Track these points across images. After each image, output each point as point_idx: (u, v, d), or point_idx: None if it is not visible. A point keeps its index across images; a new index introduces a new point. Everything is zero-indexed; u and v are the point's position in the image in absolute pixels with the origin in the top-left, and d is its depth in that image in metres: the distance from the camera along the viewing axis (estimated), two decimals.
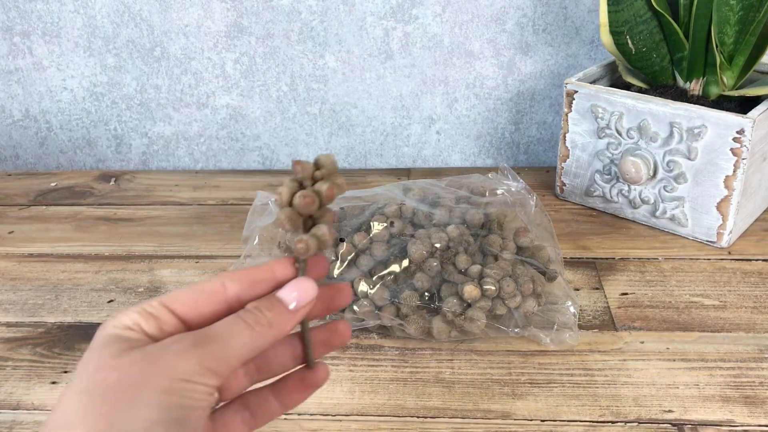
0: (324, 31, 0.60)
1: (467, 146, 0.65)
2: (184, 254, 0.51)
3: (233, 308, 0.23)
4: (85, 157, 0.68)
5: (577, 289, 0.45)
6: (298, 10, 0.59)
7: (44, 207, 0.59)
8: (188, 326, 0.23)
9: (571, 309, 0.41)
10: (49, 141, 0.67)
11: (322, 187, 0.24)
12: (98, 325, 0.44)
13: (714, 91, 0.50)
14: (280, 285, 0.24)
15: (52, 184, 0.63)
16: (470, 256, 0.41)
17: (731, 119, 0.44)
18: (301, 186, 0.24)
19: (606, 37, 0.50)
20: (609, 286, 0.45)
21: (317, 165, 0.25)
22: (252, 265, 0.25)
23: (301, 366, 0.26)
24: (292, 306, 0.23)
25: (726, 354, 0.39)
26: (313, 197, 0.24)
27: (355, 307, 0.41)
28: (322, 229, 0.24)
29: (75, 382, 0.20)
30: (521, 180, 0.48)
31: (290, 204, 0.24)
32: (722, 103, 0.49)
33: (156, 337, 0.22)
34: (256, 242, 0.46)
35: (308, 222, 0.25)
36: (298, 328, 0.25)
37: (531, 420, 0.36)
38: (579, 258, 0.49)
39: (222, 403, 0.25)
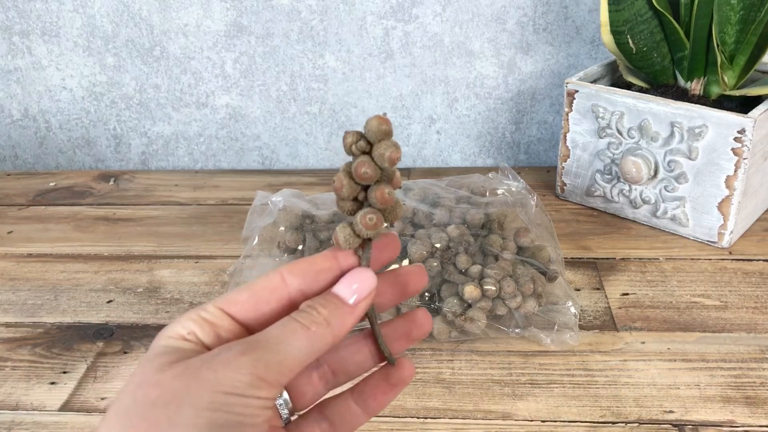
0: (324, 30, 0.60)
1: (467, 146, 0.64)
2: (184, 254, 0.51)
3: (297, 305, 0.21)
4: (85, 156, 0.67)
5: (578, 290, 0.45)
6: (297, 10, 0.59)
7: (43, 207, 0.59)
8: (250, 331, 0.21)
9: (572, 309, 0.41)
10: (49, 141, 0.67)
11: (385, 151, 0.20)
12: (97, 325, 0.44)
13: (715, 90, 0.50)
14: (345, 272, 0.22)
15: (51, 184, 0.63)
16: (471, 257, 0.41)
17: (732, 119, 0.44)
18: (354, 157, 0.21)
19: (607, 37, 0.50)
20: (610, 286, 0.45)
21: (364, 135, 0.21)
22: (310, 256, 0.22)
23: (382, 364, 0.24)
24: (351, 300, 0.21)
25: (727, 354, 0.39)
26: (372, 165, 0.20)
27: None
28: (371, 195, 0.21)
29: (118, 399, 0.19)
30: (522, 180, 0.48)
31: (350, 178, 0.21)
32: (723, 102, 0.49)
33: (213, 345, 0.20)
34: (255, 242, 0.46)
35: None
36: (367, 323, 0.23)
37: (531, 420, 0.35)
38: (580, 258, 0.48)
39: (297, 414, 0.23)
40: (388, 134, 0.20)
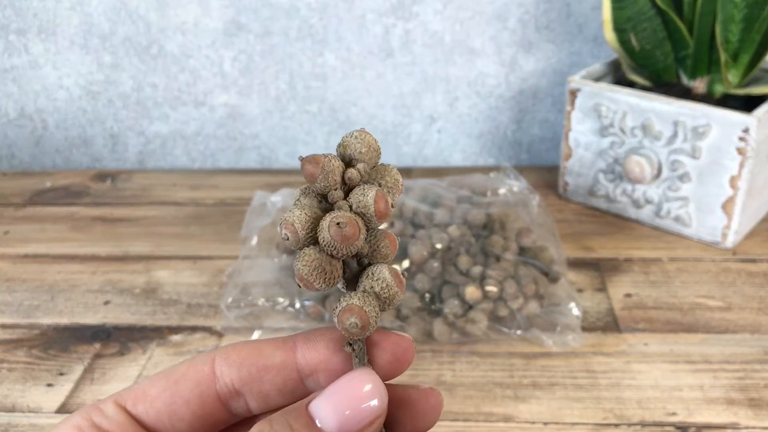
0: (323, 28, 0.60)
1: (469, 145, 0.64)
2: (182, 255, 0.51)
3: (230, 410, 0.16)
4: (81, 156, 0.67)
5: (581, 291, 0.45)
6: (296, 7, 0.59)
7: (40, 207, 0.59)
8: None
9: (574, 311, 0.41)
10: (45, 140, 0.66)
11: (366, 197, 0.14)
12: (94, 327, 0.44)
13: (719, 89, 0.49)
14: (307, 373, 0.15)
15: (48, 184, 0.62)
16: (472, 257, 0.41)
17: (736, 118, 0.44)
18: (325, 202, 0.14)
19: (609, 35, 0.50)
20: (613, 287, 0.45)
21: (345, 157, 0.14)
22: (262, 340, 0.16)
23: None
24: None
25: (731, 356, 0.39)
26: (354, 223, 0.13)
27: None
28: (383, 277, 0.14)
29: None
30: (523, 179, 0.48)
31: (314, 242, 0.14)
32: (727, 101, 0.49)
33: None
34: (254, 242, 0.45)
35: (352, 265, 0.15)
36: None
37: (533, 423, 0.35)
38: (582, 259, 0.48)
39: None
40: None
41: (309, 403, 0.14)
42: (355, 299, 0.14)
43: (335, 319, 0.14)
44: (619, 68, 0.55)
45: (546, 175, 0.59)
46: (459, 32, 0.59)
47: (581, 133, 0.52)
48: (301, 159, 0.14)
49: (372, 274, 0.15)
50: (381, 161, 0.15)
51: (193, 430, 0.15)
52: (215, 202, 0.58)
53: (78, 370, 0.40)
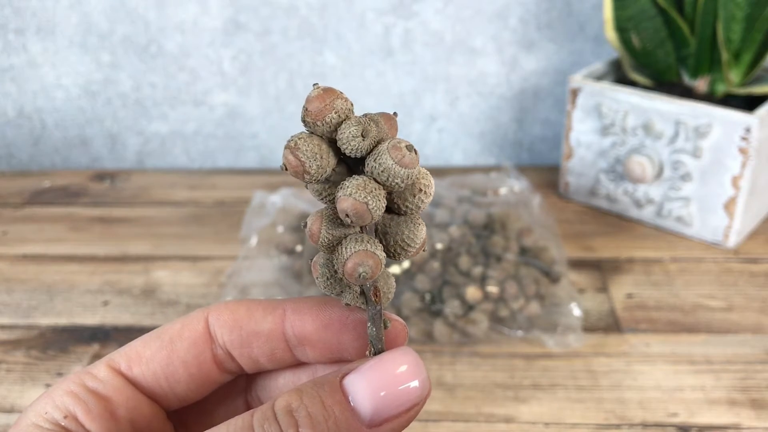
0: (323, 27, 0.59)
1: (469, 145, 0.64)
2: (181, 255, 0.50)
3: (225, 369, 0.15)
4: (80, 156, 0.67)
5: (582, 291, 0.44)
6: (296, 6, 0.59)
7: (38, 207, 0.58)
8: (159, 403, 0.14)
9: (576, 311, 0.40)
10: (44, 140, 0.66)
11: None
12: (93, 327, 0.43)
13: (720, 88, 0.49)
14: (294, 344, 0.14)
15: (47, 184, 0.62)
16: (472, 257, 0.41)
17: (738, 117, 0.44)
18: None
19: (611, 34, 0.49)
20: (614, 287, 0.45)
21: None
22: (255, 300, 0.15)
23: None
24: (368, 417, 0.12)
25: (732, 356, 0.39)
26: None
27: None
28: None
29: None
30: (524, 179, 0.47)
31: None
32: (729, 100, 0.49)
33: None
34: (254, 243, 0.45)
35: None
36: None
37: (535, 423, 0.35)
38: (583, 259, 0.48)
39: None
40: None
41: (343, 377, 0.13)
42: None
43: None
44: (620, 67, 0.54)
45: (547, 175, 0.59)
46: (459, 31, 0.59)
47: (582, 133, 0.52)
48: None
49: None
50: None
51: (189, 390, 0.14)
52: (214, 202, 0.58)
53: (77, 370, 0.40)
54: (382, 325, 0.14)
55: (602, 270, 0.47)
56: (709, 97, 0.49)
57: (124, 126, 0.65)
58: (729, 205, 0.46)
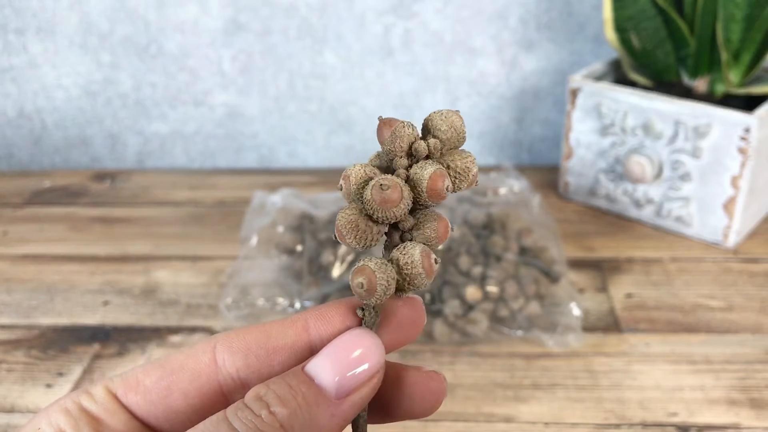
0: (323, 27, 0.59)
1: (469, 145, 0.64)
2: (181, 255, 0.50)
3: (230, 398, 0.14)
4: (80, 156, 0.67)
5: (582, 291, 0.45)
6: (296, 6, 0.59)
7: (38, 207, 0.59)
8: (153, 429, 0.14)
9: (575, 311, 0.40)
10: (44, 140, 0.66)
11: (423, 171, 0.14)
12: (93, 327, 0.43)
13: (720, 88, 0.49)
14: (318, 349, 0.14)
15: (47, 184, 0.62)
16: (472, 257, 0.41)
17: (737, 117, 0.44)
18: (388, 168, 0.14)
19: (610, 34, 0.49)
20: (614, 287, 0.45)
21: (427, 129, 0.15)
22: (267, 322, 0.15)
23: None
24: (335, 390, 0.13)
25: (732, 356, 0.39)
26: (398, 189, 0.13)
27: None
28: (412, 253, 0.14)
29: None
30: (524, 179, 0.47)
31: (360, 197, 0.14)
32: (728, 101, 0.49)
33: None
34: (254, 243, 0.45)
35: (394, 237, 0.15)
36: None
37: (534, 423, 0.35)
38: (583, 259, 0.48)
39: None
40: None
41: (305, 365, 0.14)
42: (372, 263, 0.14)
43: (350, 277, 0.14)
44: (620, 67, 0.54)
45: (547, 175, 0.59)
46: (459, 31, 0.59)
47: (582, 133, 0.52)
48: (380, 119, 0.14)
49: (404, 247, 0.14)
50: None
51: (189, 421, 0.14)
52: (214, 202, 0.58)
53: (77, 370, 0.40)
54: (375, 320, 0.15)
55: (602, 270, 0.47)
56: (709, 98, 0.49)
57: (125, 126, 0.65)
58: (728, 205, 0.47)
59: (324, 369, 0.13)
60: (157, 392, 0.14)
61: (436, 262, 0.14)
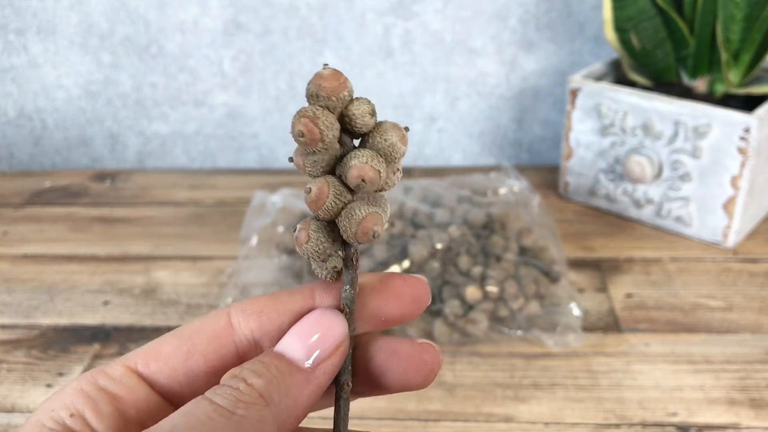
0: (323, 27, 0.59)
1: (469, 145, 0.64)
2: (181, 255, 0.50)
3: (246, 358, 0.15)
4: (81, 156, 0.67)
5: (581, 291, 0.45)
6: (296, 7, 0.59)
7: (39, 207, 0.59)
8: (176, 405, 0.14)
9: (575, 311, 0.40)
10: (44, 140, 0.66)
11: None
12: (93, 327, 0.43)
13: (720, 89, 0.49)
14: None
15: (47, 184, 0.62)
16: (472, 257, 0.41)
17: (737, 117, 0.44)
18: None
19: (610, 34, 0.49)
20: (613, 287, 0.45)
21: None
22: (277, 292, 0.16)
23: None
24: (308, 361, 0.14)
25: (732, 356, 0.39)
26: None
27: None
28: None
29: None
30: (524, 179, 0.47)
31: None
32: (728, 101, 0.49)
33: None
34: (254, 243, 0.45)
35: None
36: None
37: (534, 423, 0.35)
38: (583, 259, 0.48)
39: None
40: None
41: (274, 348, 0.14)
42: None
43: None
44: (619, 68, 0.54)
45: (547, 175, 0.59)
46: (459, 32, 0.59)
47: (582, 133, 0.52)
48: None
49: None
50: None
51: (210, 385, 0.14)
52: (215, 202, 0.58)
53: (77, 370, 0.40)
54: (356, 289, 0.16)
55: (602, 270, 0.47)
56: (709, 98, 0.49)
57: (125, 126, 0.65)
58: (728, 205, 0.47)
59: (292, 345, 0.14)
60: (178, 357, 0.15)
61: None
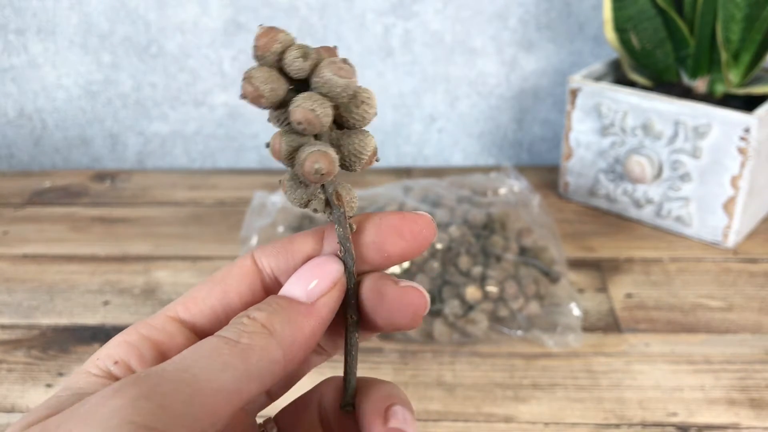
0: (323, 27, 0.59)
1: (469, 145, 0.64)
2: (181, 255, 0.50)
3: (271, 292, 0.17)
4: (81, 156, 0.67)
5: (581, 291, 0.45)
6: (296, 7, 0.59)
7: (39, 207, 0.59)
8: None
9: (575, 311, 0.40)
10: (44, 140, 0.66)
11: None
12: (93, 327, 0.43)
13: (719, 89, 0.49)
14: None
15: (47, 184, 0.62)
16: (472, 257, 0.41)
17: (737, 117, 0.44)
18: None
19: (610, 34, 0.49)
20: (613, 287, 0.45)
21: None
22: (293, 234, 0.17)
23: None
24: (307, 297, 0.15)
25: (732, 356, 0.39)
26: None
27: None
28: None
29: None
30: (524, 179, 0.47)
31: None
32: (728, 101, 0.49)
33: None
34: (254, 243, 0.45)
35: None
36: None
37: (534, 423, 0.35)
38: (583, 259, 0.48)
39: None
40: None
41: (279, 292, 0.16)
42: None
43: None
44: (619, 68, 0.54)
45: (546, 175, 0.59)
46: (459, 32, 0.59)
47: (582, 133, 0.52)
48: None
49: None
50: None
51: None
52: (215, 202, 0.58)
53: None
54: (348, 227, 0.17)
55: (601, 270, 0.47)
56: (709, 98, 0.49)
57: (125, 126, 0.65)
58: (728, 205, 0.47)
59: (293, 287, 0.15)
60: (215, 298, 0.16)
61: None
